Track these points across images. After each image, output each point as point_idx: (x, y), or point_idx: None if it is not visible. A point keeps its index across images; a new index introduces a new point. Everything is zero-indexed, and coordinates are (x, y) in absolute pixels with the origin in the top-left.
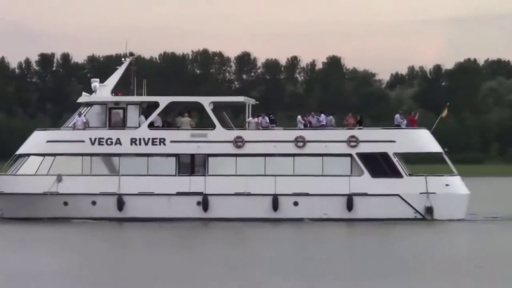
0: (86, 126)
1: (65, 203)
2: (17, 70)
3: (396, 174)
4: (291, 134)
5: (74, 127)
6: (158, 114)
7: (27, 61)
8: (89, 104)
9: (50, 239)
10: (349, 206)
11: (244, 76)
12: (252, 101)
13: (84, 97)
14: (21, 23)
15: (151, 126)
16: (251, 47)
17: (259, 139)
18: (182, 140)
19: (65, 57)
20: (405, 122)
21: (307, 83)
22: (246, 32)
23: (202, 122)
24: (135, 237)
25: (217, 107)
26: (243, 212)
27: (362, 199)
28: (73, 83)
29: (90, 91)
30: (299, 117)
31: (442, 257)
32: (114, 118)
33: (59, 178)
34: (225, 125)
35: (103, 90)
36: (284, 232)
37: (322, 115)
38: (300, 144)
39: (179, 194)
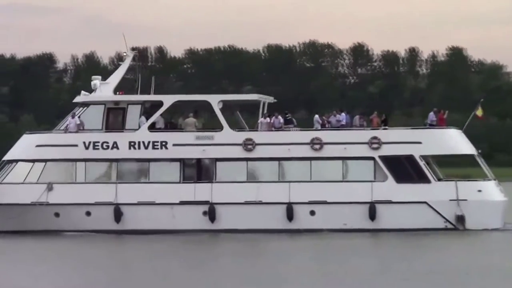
0: (80, 128)
1: (57, 214)
2: (108, 66)
3: (423, 179)
4: (307, 135)
5: (66, 130)
6: (161, 115)
7: (119, 56)
8: (85, 104)
9: (39, 254)
10: (372, 215)
11: (360, 70)
12: (269, 99)
13: (80, 97)
14: (110, 15)
15: (153, 128)
16: (364, 38)
17: (271, 141)
18: (186, 143)
19: (160, 51)
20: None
21: (429, 77)
22: (357, 23)
23: (213, 123)
24: (134, 251)
25: (228, 106)
26: (254, 223)
27: (386, 207)
28: (171, 79)
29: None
30: (316, 116)
31: (477, 271)
32: (112, 119)
33: (50, 187)
34: (239, 127)
35: (104, 89)
36: (300, 244)
37: (343, 114)
38: (317, 146)
39: (183, 203)
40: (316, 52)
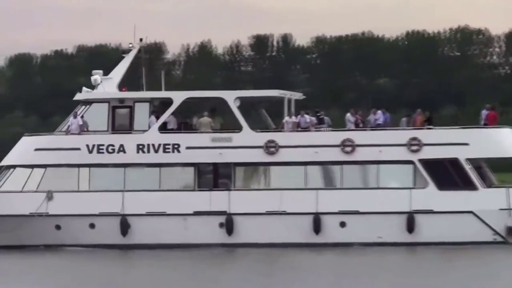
0: (83, 129)
1: (57, 227)
2: (222, 57)
3: (469, 185)
4: (337, 136)
5: (68, 131)
6: (173, 114)
7: (236, 45)
8: (87, 102)
9: (37, 272)
10: (410, 226)
11: None
12: (296, 95)
13: (82, 94)
14: None
15: (164, 128)
16: None
17: (297, 143)
18: (200, 146)
19: (285, 39)
20: None
21: None
22: None
23: (233, 123)
24: (142, 268)
25: (248, 103)
26: (276, 236)
27: (427, 217)
28: (295, 71)
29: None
30: (348, 114)
31: None
32: (118, 119)
33: (50, 195)
34: (264, 127)
35: (106, 85)
36: (328, 260)
37: (379, 112)
38: (348, 149)
39: (197, 213)
40: (464, 39)
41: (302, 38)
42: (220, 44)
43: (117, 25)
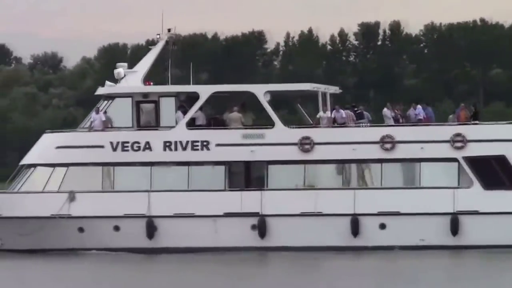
0: (107, 126)
1: (80, 229)
2: (329, 47)
3: None
4: (376, 132)
5: (90, 128)
6: (201, 109)
7: (343, 33)
8: (110, 97)
9: (59, 277)
10: (454, 229)
11: None
12: (331, 89)
13: (104, 88)
14: None
15: (192, 125)
16: None
17: (333, 140)
18: (231, 143)
19: (396, 26)
20: None
21: None
22: None
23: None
24: (169, 274)
25: (280, 97)
26: (312, 238)
27: (472, 219)
28: (403, 62)
29: None
30: (385, 109)
31: None
32: (143, 115)
33: (72, 196)
34: (301, 124)
35: (131, 79)
36: (367, 265)
37: (419, 106)
38: (388, 145)
39: (228, 215)
40: None
41: (415, 26)
42: (328, 32)
43: (217, 13)
